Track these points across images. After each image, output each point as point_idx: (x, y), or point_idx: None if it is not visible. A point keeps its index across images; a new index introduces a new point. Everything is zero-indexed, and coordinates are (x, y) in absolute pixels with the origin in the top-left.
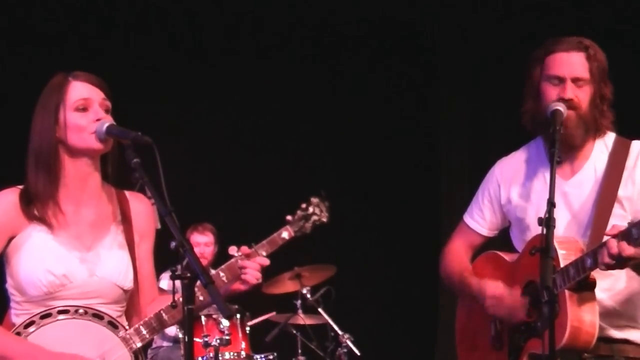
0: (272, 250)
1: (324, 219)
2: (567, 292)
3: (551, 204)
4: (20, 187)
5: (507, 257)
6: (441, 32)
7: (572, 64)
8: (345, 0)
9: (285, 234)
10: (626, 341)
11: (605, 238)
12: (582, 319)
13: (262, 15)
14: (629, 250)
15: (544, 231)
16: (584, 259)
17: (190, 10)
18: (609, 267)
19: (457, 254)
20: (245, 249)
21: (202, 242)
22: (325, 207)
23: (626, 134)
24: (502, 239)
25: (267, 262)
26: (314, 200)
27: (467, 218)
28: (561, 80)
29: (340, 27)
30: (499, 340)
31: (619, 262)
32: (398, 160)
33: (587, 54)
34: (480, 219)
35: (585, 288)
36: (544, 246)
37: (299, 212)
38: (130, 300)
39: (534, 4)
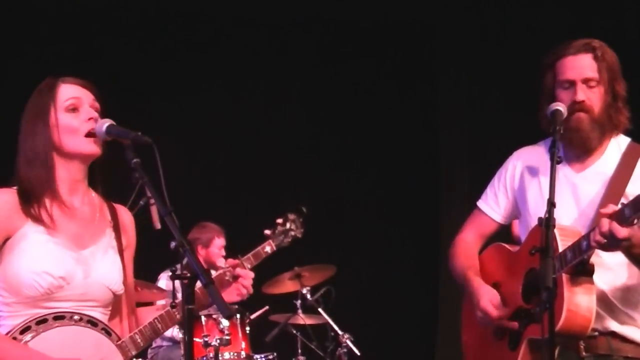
0: (257, 263)
1: (299, 235)
2: (564, 276)
3: (551, 204)
4: (15, 188)
5: (510, 247)
6: (440, 22)
7: (580, 67)
8: None
9: (268, 249)
10: (625, 339)
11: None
12: (579, 304)
13: (261, 15)
14: (621, 230)
15: (544, 230)
16: (580, 241)
17: (191, 11)
18: (601, 246)
19: (467, 246)
20: (232, 261)
21: (224, 246)
22: (300, 223)
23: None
24: (508, 232)
25: (252, 275)
26: (291, 216)
27: (481, 203)
28: (572, 84)
29: (338, 17)
30: (500, 330)
31: (611, 241)
32: (398, 160)
33: (594, 55)
34: (494, 204)
35: (583, 273)
36: (544, 246)
37: (278, 228)
38: (119, 306)
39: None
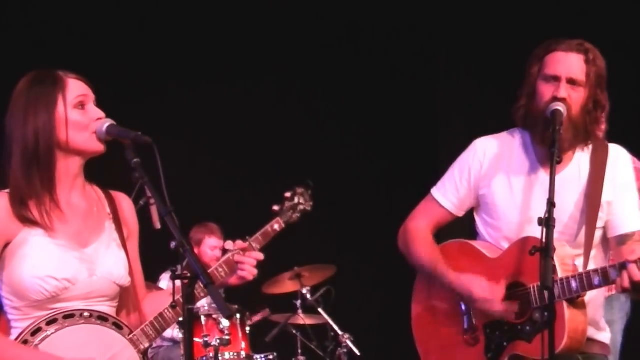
0: (266, 243)
1: (309, 208)
2: (565, 302)
3: (551, 204)
4: (6, 191)
5: (485, 250)
6: (441, 20)
7: (569, 65)
8: None
9: (276, 226)
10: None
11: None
12: (577, 329)
13: (260, 14)
14: None
15: (544, 231)
16: (590, 276)
17: (191, 10)
18: (625, 291)
19: (425, 237)
20: (240, 243)
21: (218, 247)
22: (309, 195)
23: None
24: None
25: (261, 256)
26: (299, 189)
27: (439, 195)
28: (557, 80)
29: (338, 16)
30: (472, 336)
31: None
32: (398, 159)
33: (586, 57)
34: (454, 198)
35: (579, 298)
36: (544, 246)
37: (286, 203)
38: (126, 297)
39: None
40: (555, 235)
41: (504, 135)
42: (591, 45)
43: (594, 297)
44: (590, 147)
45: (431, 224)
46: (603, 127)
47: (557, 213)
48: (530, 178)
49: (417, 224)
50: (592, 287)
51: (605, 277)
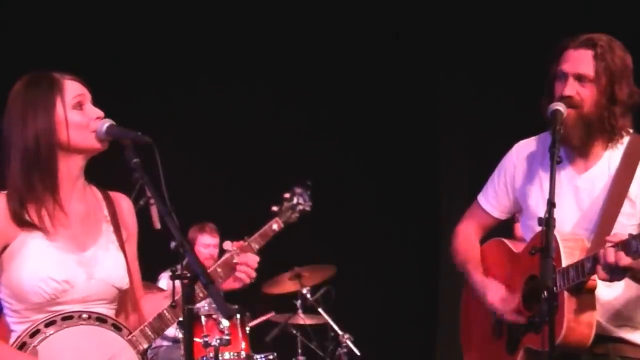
0: (264, 243)
1: (308, 208)
2: (566, 292)
3: (551, 204)
4: (4, 192)
5: (514, 247)
6: (441, 21)
7: (576, 61)
8: None
9: (275, 226)
10: (622, 340)
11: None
12: (579, 320)
13: (259, 14)
14: (625, 260)
15: (544, 230)
16: (583, 262)
17: (190, 10)
18: (607, 277)
19: (468, 237)
20: (239, 243)
21: (212, 244)
22: (308, 196)
23: None
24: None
25: (257, 259)
26: (298, 190)
27: (482, 199)
28: (566, 77)
29: (337, 17)
30: (499, 329)
31: (616, 272)
32: (398, 160)
33: (594, 52)
34: (494, 201)
35: (585, 288)
36: (543, 246)
37: (285, 203)
38: (125, 298)
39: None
40: (573, 227)
41: (541, 135)
42: (606, 39)
43: (624, 292)
44: (625, 142)
45: (476, 227)
46: (625, 120)
47: (580, 205)
48: (559, 176)
49: (463, 226)
50: (585, 273)
51: (593, 264)
